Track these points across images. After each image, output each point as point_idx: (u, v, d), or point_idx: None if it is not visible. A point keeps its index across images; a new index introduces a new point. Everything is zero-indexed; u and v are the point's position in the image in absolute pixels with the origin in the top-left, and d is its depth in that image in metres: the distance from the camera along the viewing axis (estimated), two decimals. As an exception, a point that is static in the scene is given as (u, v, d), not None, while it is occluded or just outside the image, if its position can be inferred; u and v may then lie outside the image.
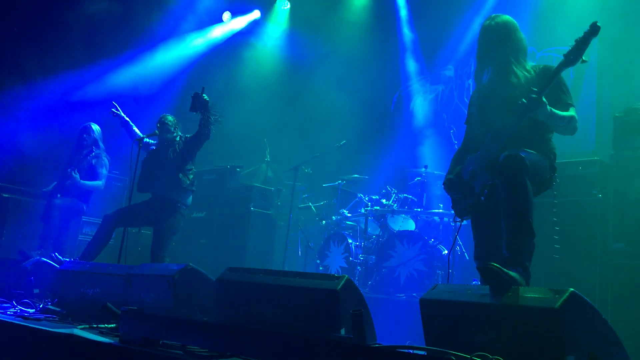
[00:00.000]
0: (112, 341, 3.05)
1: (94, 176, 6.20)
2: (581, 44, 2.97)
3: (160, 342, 2.88)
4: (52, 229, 5.93)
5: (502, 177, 3.04)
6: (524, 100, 3.04)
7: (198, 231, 7.06)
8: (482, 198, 3.22)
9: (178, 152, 5.71)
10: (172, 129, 5.78)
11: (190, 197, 5.75)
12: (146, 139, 5.70)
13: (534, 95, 3.02)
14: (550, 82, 3.08)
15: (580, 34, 2.98)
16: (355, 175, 6.63)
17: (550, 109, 3.07)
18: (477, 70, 3.50)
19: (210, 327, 2.88)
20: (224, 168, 7.34)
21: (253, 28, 8.94)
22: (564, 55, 3.02)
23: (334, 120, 7.77)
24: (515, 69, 3.31)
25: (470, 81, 7.18)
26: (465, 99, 7.10)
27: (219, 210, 7.08)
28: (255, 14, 8.86)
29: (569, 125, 3.19)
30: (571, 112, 3.19)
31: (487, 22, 3.41)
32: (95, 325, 3.55)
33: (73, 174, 5.98)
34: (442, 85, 7.67)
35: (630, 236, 3.90)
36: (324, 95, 7.88)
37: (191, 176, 5.73)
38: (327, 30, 8.22)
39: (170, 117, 5.84)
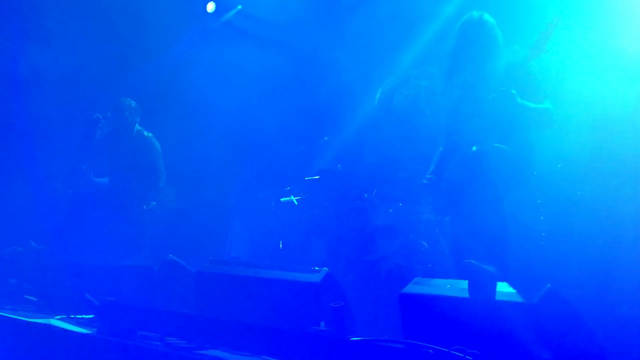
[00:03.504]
0: (89, 332, 3.03)
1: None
2: (544, 36, 3.06)
3: (139, 333, 2.87)
4: (53, 221, 5.76)
5: (469, 171, 3.06)
6: (493, 95, 3.09)
7: (180, 222, 7.01)
8: (456, 195, 3.25)
9: (135, 150, 5.44)
10: (128, 113, 5.49)
11: (159, 188, 5.48)
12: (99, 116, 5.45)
13: (502, 89, 3.06)
14: (515, 74, 3.13)
15: (544, 27, 3.06)
16: (338, 169, 6.63)
17: (522, 102, 3.10)
18: (450, 68, 3.51)
19: (190, 318, 2.87)
20: (207, 159, 7.29)
21: (236, 18, 8.83)
22: (529, 48, 3.10)
23: (318, 113, 7.75)
24: (489, 68, 3.34)
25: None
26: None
27: (200, 201, 7.04)
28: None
29: (543, 117, 3.20)
30: (545, 105, 3.22)
31: (466, 19, 3.41)
32: (72, 316, 3.52)
33: (92, 175, 5.76)
34: (426, 80, 7.68)
35: (612, 231, 3.95)
36: (308, 88, 7.86)
37: (159, 172, 5.47)
38: (313, 22, 8.18)
39: (128, 102, 5.55)
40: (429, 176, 3.51)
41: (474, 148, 3.06)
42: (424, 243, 5.35)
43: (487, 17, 3.37)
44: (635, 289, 3.53)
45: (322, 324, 2.88)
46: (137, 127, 5.57)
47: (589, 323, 2.57)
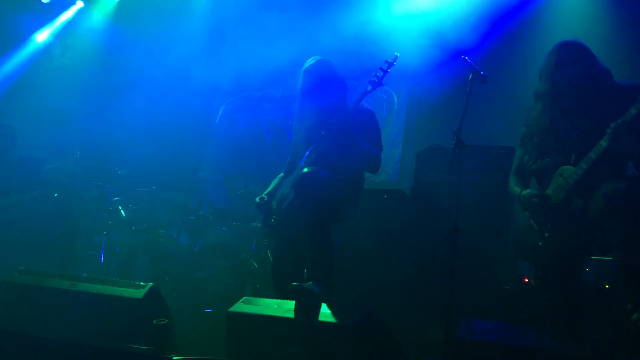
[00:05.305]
0: None
1: None
2: (382, 72, 3.35)
3: None
4: None
5: (298, 192, 3.17)
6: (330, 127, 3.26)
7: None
8: (283, 214, 3.35)
9: None
10: None
11: None
12: None
13: (340, 114, 3.24)
14: (356, 103, 3.37)
15: (384, 64, 3.35)
16: (172, 184, 6.44)
17: (356, 135, 3.27)
18: (301, 107, 3.65)
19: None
20: (27, 159, 6.63)
21: (77, 18, 8.27)
22: (368, 82, 3.36)
23: (155, 124, 7.47)
24: (335, 102, 3.52)
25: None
26: (290, 121, 7.31)
27: (11, 205, 6.35)
28: (79, 4, 8.22)
29: (368, 158, 3.36)
30: (375, 150, 3.43)
31: (308, 65, 3.60)
32: None
33: None
34: (268, 103, 7.82)
35: (424, 261, 4.29)
36: (147, 94, 7.56)
37: None
38: (155, 30, 7.92)
39: None
40: (262, 196, 3.57)
41: (305, 170, 3.17)
42: (254, 263, 5.38)
43: (325, 61, 3.61)
44: (441, 313, 3.88)
45: (143, 341, 2.76)
46: None
47: (400, 344, 2.76)
